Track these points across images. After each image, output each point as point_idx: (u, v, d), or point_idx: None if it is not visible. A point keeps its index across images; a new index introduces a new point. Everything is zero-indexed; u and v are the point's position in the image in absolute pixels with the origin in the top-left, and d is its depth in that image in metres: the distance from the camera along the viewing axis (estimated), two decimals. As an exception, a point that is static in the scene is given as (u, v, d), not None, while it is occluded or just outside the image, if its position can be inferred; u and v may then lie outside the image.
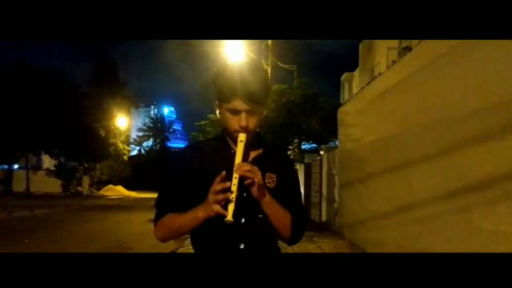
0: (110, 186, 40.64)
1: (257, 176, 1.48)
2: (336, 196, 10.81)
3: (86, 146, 33.08)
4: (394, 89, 6.59)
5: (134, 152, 64.54)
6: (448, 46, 4.83)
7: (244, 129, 1.54)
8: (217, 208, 1.47)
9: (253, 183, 1.49)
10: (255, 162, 1.60)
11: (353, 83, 22.15)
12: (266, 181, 1.61)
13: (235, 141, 1.57)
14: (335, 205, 10.91)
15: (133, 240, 9.77)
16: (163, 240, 1.68)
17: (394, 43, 11.88)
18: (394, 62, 6.86)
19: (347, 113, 10.13)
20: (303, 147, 19.00)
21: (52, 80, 30.33)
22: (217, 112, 1.63)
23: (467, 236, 4.33)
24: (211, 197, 1.48)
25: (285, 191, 1.65)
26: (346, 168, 9.86)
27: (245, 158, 1.57)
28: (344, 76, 24.37)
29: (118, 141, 40.35)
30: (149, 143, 70.45)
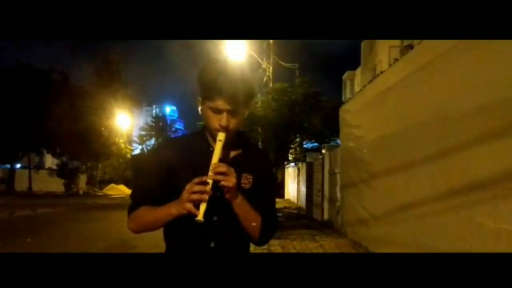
0: (113, 185, 40.70)
1: (231, 180, 1.50)
2: (338, 194, 10.81)
3: (88, 145, 33.07)
4: (396, 87, 6.58)
5: (137, 151, 64.54)
6: (450, 44, 4.83)
7: (224, 129, 1.55)
8: (189, 206, 1.47)
9: (227, 186, 1.50)
10: (233, 161, 1.62)
11: (355, 82, 22.10)
12: (242, 181, 1.63)
13: (214, 139, 1.58)
14: (337, 203, 10.90)
15: (136, 238, 9.72)
16: (136, 232, 1.69)
17: (396, 41, 11.87)
18: (396, 60, 6.85)
19: (349, 112, 10.12)
20: (305, 146, 18.97)
21: (54, 79, 30.36)
22: (199, 108, 1.63)
23: (469, 234, 4.34)
24: (185, 195, 1.49)
25: (260, 193, 1.66)
26: (348, 167, 9.86)
27: (223, 158, 1.58)
28: (346, 75, 24.32)
29: (120, 140, 40.38)
30: (151, 142, 70.51)
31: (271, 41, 21.07)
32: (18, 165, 36.05)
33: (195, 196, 1.46)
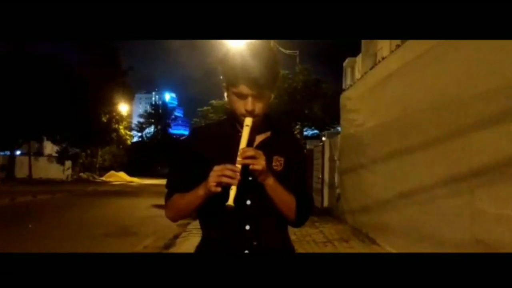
0: (112, 172, 40.77)
1: (260, 163, 1.50)
2: (338, 181, 10.82)
3: (88, 132, 33.07)
4: (397, 74, 6.56)
5: (136, 139, 64.66)
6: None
7: (250, 114, 1.54)
8: (212, 185, 1.47)
9: (256, 169, 1.50)
10: (262, 145, 1.62)
11: (356, 69, 21.99)
12: (273, 164, 1.62)
13: (242, 124, 1.57)
14: (337, 190, 10.92)
15: (137, 224, 9.83)
16: (173, 219, 1.72)
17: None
18: (398, 46, 6.81)
19: (349, 98, 10.10)
20: (305, 133, 18.98)
21: (53, 65, 30.20)
22: (225, 94, 1.63)
23: (470, 220, 4.35)
24: (211, 176, 1.49)
25: (292, 175, 1.66)
26: (348, 154, 9.86)
27: (251, 142, 1.58)
28: (346, 62, 24.18)
29: (120, 127, 40.36)
30: (150, 129, 70.58)
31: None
32: (18, 152, 36.03)
33: (223, 179, 1.46)
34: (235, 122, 1.65)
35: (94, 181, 35.42)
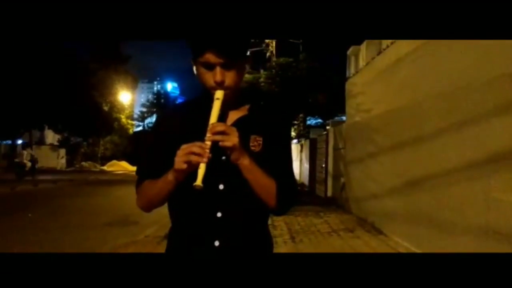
0: (114, 161, 40.70)
1: (231, 139, 1.32)
2: (343, 170, 10.67)
3: (90, 121, 32.96)
4: (407, 59, 6.34)
5: (138, 128, 64.68)
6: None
7: (220, 85, 1.37)
8: (180, 166, 1.31)
9: (226, 146, 1.32)
10: (237, 123, 1.43)
11: (360, 57, 21.73)
12: (251, 144, 1.45)
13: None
14: (342, 179, 10.79)
15: (138, 213, 9.64)
16: (145, 209, 1.55)
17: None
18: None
19: (356, 85, 9.90)
20: (308, 122, 18.81)
21: (54, 53, 30.03)
22: (194, 69, 1.45)
23: (485, 209, 4.17)
24: (177, 157, 1.32)
25: (273, 156, 1.47)
26: (354, 142, 9.69)
27: (223, 119, 1.42)
28: (350, 50, 23.85)
29: (121, 115, 40.23)
30: (152, 119, 70.50)
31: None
32: (20, 141, 35.99)
33: (191, 157, 1.29)
34: (206, 98, 1.45)
35: (95, 170, 35.35)
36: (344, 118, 12.34)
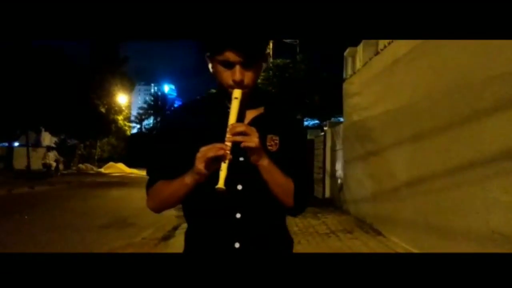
0: (111, 163, 40.53)
1: (252, 140, 1.29)
2: (341, 171, 10.64)
3: (87, 123, 32.86)
4: (406, 58, 6.31)
5: (135, 130, 64.64)
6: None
7: (239, 84, 1.34)
8: (201, 170, 1.27)
9: (249, 146, 1.29)
10: (254, 123, 1.40)
11: (357, 58, 21.74)
12: (268, 143, 1.43)
13: (231, 99, 1.36)
14: (339, 180, 10.76)
15: (135, 215, 9.65)
16: (156, 210, 1.51)
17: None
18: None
19: (354, 85, 9.88)
20: (305, 123, 18.79)
21: (50, 55, 29.94)
22: (210, 66, 1.42)
23: (484, 210, 4.14)
24: (198, 161, 1.28)
25: (289, 155, 1.45)
26: (352, 143, 9.66)
27: (241, 118, 1.38)
28: (347, 51, 23.85)
29: (119, 117, 40.10)
30: (149, 121, 70.50)
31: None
32: (16, 143, 35.83)
33: (211, 160, 1.26)
34: (223, 97, 1.43)
35: (92, 172, 35.17)
36: (341, 119, 12.32)
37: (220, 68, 1.36)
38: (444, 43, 5.05)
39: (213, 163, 1.26)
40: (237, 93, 1.34)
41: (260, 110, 1.47)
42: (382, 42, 8.00)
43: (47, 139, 40.79)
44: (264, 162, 1.35)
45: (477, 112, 4.36)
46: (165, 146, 1.49)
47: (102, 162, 42.05)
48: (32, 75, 27.95)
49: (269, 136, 1.43)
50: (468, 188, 4.45)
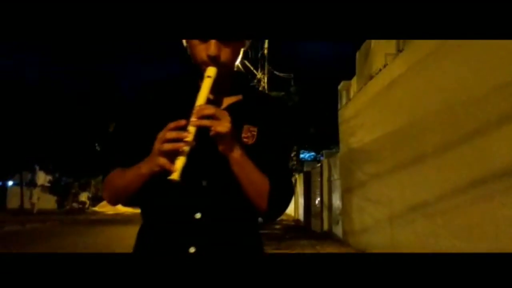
0: (106, 202, 40.09)
1: (222, 124, 1.07)
2: (339, 202, 10.41)
3: (81, 161, 32.68)
4: (402, 79, 6.20)
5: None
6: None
7: (214, 61, 1.13)
8: (163, 161, 1.04)
9: (218, 132, 1.06)
10: (230, 108, 1.17)
11: (351, 91, 21.88)
12: (243, 135, 1.20)
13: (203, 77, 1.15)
14: (337, 211, 10.53)
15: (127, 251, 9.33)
16: (112, 202, 1.28)
17: (392, 48, 11.62)
18: (400, 51, 6.48)
19: (349, 113, 9.79)
20: (301, 156, 18.69)
21: (44, 93, 30.07)
22: (184, 41, 1.22)
23: (494, 229, 3.91)
24: (156, 146, 1.05)
25: (268, 151, 1.22)
26: (349, 171, 9.47)
27: (217, 101, 1.18)
28: (341, 85, 24.06)
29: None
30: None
31: (266, 51, 20.85)
32: (10, 183, 35.56)
33: (168, 146, 1.03)
34: (195, 76, 1.21)
35: (86, 211, 34.72)
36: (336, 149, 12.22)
37: (195, 41, 1.16)
38: (439, 62, 4.95)
39: (170, 151, 1.04)
40: (210, 71, 1.13)
41: (238, 96, 1.25)
42: (375, 71, 7.98)
43: (42, 178, 40.48)
44: (236, 154, 1.12)
45: (479, 129, 4.19)
46: (126, 130, 1.27)
47: (97, 200, 41.55)
48: (25, 113, 28.04)
49: (246, 127, 1.21)
50: (476, 208, 4.24)
